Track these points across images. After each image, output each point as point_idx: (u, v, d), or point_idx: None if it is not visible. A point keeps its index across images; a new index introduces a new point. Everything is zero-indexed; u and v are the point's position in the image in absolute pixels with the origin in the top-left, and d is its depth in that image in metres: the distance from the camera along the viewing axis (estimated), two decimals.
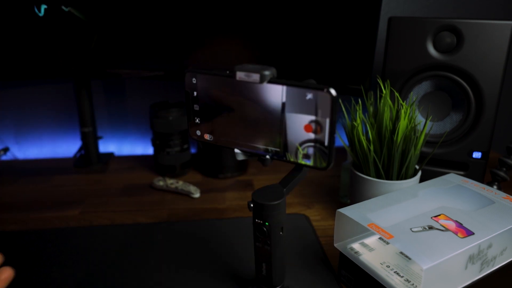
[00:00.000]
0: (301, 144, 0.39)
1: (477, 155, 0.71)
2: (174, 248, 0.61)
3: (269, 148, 0.42)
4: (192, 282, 0.53)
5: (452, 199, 0.52)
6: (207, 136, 0.46)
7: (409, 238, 0.43)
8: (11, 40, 0.80)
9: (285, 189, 0.43)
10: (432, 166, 0.75)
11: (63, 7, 0.67)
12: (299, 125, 0.39)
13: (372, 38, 0.72)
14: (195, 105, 0.45)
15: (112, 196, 0.79)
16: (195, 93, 0.44)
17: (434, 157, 0.74)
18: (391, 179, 0.61)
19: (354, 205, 0.52)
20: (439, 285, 0.41)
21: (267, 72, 0.39)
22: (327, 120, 0.37)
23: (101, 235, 0.65)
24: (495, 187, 0.73)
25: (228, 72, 0.42)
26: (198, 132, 0.46)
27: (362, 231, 0.55)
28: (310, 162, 0.40)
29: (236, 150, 0.44)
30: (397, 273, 0.48)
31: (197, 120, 0.45)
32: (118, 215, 0.72)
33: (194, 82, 0.44)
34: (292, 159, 0.41)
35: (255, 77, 0.39)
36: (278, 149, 0.41)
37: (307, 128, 0.39)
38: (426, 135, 0.72)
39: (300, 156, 0.40)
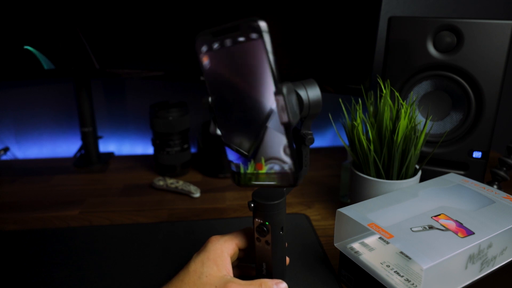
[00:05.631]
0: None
1: (477, 154, 0.71)
2: (174, 248, 0.61)
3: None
4: None
5: (452, 199, 0.52)
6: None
7: (409, 238, 0.43)
8: (10, 40, 0.80)
9: (285, 189, 0.43)
10: (432, 166, 0.75)
11: None
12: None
13: (372, 38, 0.72)
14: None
15: (112, 196, 0.79)
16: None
17: (434, 156, 0.74)
18: (391, 179, 0.61)
19: (354, 204, 0.52)
20: (439, 284, 0.41)
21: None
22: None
23: (101, 235, 0.65)
24: (495, 186, 0.73)
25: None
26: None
27: (362, 231, 0.55)
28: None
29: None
30: (397, 273, 0.48)
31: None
32: (118, 215, 0.72)
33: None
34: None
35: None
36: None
37: None
38: (426, 134, 0.72)
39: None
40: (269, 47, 0.34)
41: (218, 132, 0.41)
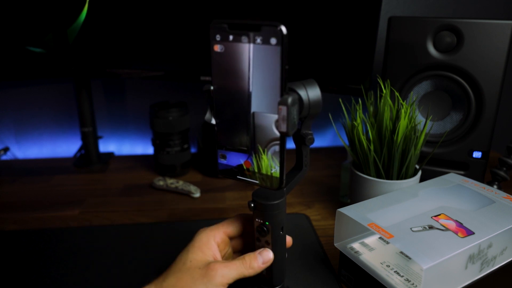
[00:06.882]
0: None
1: (477, 154, 0.71)
2: (174, 248, 0.61)
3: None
4: None
5: (452, 199, 0.52)
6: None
7: (409, 238, 0.43)
8: (11, 40, 0.79)
9: (285, 189, 0.43)
10: (432, 166, 0.75)
11: None
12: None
13: (372, 38, 0.72)
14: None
15: (112, 196, 0.79)
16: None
17: (434, 156, 0.74)
18: (391, 179, 0.61)
19: (354, 204, 0.52)
20: (439, 284, 0.41)
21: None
22: None
23: (101, 235, 0.64)
24: (495, 186, 0.73)
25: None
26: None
27: (362, 231, 0.55)
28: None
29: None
30: (397, 273, 0.48)
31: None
32: (118, 215, 0.72)
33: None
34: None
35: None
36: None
37: None
38: (426, 134, 0.72)
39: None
40: (285, 56, 0.34)
41: (213, 121, 0.41)
